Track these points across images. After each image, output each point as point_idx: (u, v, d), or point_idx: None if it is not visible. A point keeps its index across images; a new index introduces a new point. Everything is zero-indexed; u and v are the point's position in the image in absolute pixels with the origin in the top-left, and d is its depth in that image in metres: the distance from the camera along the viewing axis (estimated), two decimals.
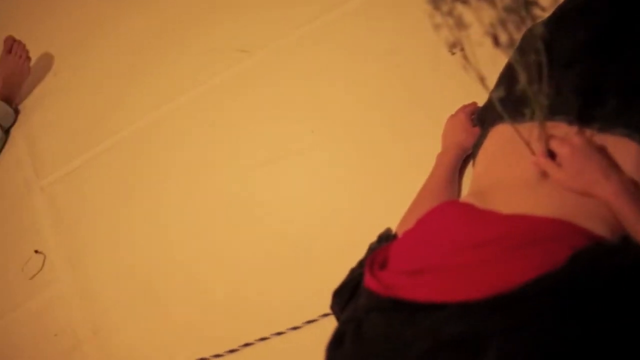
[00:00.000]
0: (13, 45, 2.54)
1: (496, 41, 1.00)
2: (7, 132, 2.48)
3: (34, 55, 2.59)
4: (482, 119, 1.48)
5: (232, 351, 1.54)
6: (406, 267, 1.10)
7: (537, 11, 1.00)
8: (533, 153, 1.15)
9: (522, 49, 1.02)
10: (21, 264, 2.01)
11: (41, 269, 1.97)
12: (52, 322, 1.83)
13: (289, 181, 1.82)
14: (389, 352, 0.98)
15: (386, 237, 1.37)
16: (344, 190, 1.72)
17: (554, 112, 1.11)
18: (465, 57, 1.02)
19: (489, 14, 0.99)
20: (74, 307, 1.84)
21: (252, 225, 1.78)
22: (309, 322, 1.49)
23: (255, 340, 1.53)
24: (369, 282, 1.09)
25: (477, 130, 1.49)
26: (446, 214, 1.19)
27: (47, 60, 2.64)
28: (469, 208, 1.18)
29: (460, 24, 1.00)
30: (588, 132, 1.18)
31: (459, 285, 1.00)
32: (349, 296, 1.23)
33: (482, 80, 1.06)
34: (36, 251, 2.02)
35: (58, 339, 1.78)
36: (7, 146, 2.46)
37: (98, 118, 2.35)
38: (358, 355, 1.03)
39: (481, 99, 1.54)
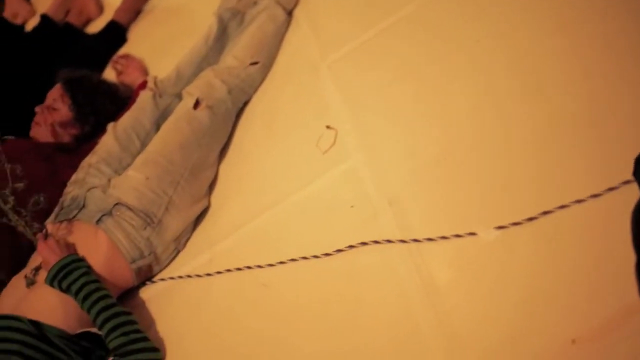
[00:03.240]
0: None
1: None
2: (289, 14, 2.57)
3: None
4: None
5: (530, 219, 1.51)
6: None
7: None
8: None
9: None
10: (315, 139, 2.09)
11: (334, 143, 2.04)
12: (348, 194, 1.89)
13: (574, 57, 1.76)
14: None
15: None
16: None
17: None
18: None
19: None
20: (368, 179, 1.88)
21: (550, 96, 1.74)
22: (610, 189, 1.43)
23: (555, 208, 1.49)
24: None
25: None
26: None
27: None
28: None
29: None
30: None
31: None
32: None
33: None
34: (328, 127, 2.10)
35: (355, 210, 1.84)
36: (290, 28, 2.56)
37: None
38: None
39: None
